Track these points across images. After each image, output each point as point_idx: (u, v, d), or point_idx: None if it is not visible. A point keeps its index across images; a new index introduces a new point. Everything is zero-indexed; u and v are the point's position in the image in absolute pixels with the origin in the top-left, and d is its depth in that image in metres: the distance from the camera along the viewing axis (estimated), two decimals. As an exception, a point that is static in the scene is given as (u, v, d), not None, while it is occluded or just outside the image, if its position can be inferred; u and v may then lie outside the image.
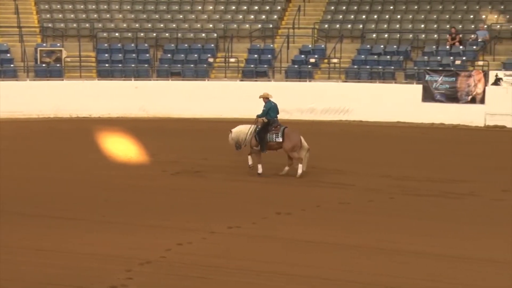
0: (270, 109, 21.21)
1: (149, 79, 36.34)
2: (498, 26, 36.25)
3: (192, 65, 36.89)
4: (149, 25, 39.22)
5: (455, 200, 18.59)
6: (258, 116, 21.34)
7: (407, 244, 14.43)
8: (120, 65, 36.90)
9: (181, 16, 40.04)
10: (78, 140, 27.73)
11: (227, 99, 34.68)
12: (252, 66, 36.56)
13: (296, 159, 20.97)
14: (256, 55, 37.05)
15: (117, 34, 38.68)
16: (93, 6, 40.40)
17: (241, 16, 39.65)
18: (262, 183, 20.36)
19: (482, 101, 32.93)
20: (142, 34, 38.52)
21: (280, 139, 21.02)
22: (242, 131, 21.56)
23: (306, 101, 34.47)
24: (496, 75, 32.89)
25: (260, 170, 21.18)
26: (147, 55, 37.41)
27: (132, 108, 34.88)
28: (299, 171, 20.86)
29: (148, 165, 22.99)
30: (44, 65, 36.51)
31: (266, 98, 21.40)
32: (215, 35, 38.39)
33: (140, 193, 18.89)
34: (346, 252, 13.92)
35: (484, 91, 32.92)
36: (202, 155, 24.29)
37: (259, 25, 38.61)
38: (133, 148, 25.35)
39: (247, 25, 38.65)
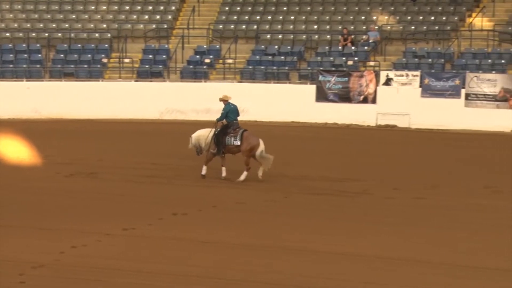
0: (230, 111, 20.88)
1: (42, 79, 35.73)
2: (389, 27, 37.02)
3: (85, 66, 36.44)
4: (41, 25, 38.53)
5: (348, 198, 18.90)
6: (218, 120, 21.01)
7: (302, 243, 14.59)
8: (11, 65, 36.16)
9: (74, 16, 39.48)
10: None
11: (122, 100, 34.40)
12: (147, 66, 36.35)
13: (246, 164, 20.49)
14: (150, 56, 36.86)
15: (7, 34, 37.87)
16: (-17, 6, 39.49)
17: (135, 16, 39.36)
18: (158, 184, 20.25)
19: (373, 101, 33.59)
20: (34, 34, 37.81)
21: (238, 142, 20.60)
22: (202, 135, 21.12)
23: (202, 101, 34.46)
24: (387, 75, 33.60)
25: (224, 173, 20.77)
26: (39, 55, 36.76)
27: (24, 110, 34.20)
28: (242, 177, 20.44)
29: (41, 167, 22.59)
30: None
31: (225, 101, 21.08)
32: (109, 35, 38.01)
33: (33, 196, 18.55)
34: (242, 252, 13.98)
35: (375, 91, 33.58)
36: (97, 157, 24.02)
37: (154, 25, 38.42)
38: (25, 150, 24.87)
39: (142, 25, 38.40)
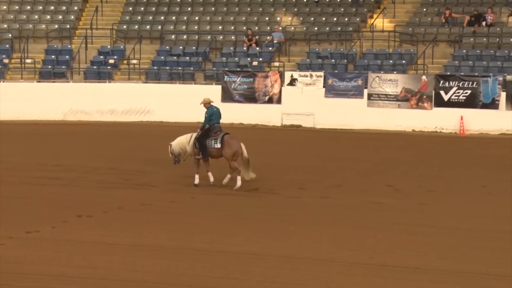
0: (212, 114, 20.25)
1: None
2: (292, 28, 37.37)
3: (-14, 67, 35.72)
4: None
5: (255, 198, 19.01)
6: (202, 126, 20.19)
7: (208, 243, 14.62)
8: None
9: (-27, 16, 38.68)
10: None
11: (24, 101, 33.79)
12: (49, 67, 35.82)
13: (234, 168, 19.87)
14: (53, 56, 36.34)
15: None
16: None
17: (36, 16, 38.75)
18: (62, 186, 19.98)
19: (278, 101, 33.85)
20: None
21: (219, 145, 19.86)
22: (182, 142, 20.33)
23: (106, 102, 34.15)
24: (292, 76, 33.91)
25: (196, 181, 20.05)
26: None
27: None
28: (238, 182, 19.76)
29: None
30: None
31: (207, 104, 20.42)
32: (10, 35, 37.31)
33: None
34: (147, 253, 13.93)
35: (280, 91, 33.85)
36: (-2, 159, 23.55)
37: (56, 26, 37.88)
38: None
39: (43, 26, 37.82)
